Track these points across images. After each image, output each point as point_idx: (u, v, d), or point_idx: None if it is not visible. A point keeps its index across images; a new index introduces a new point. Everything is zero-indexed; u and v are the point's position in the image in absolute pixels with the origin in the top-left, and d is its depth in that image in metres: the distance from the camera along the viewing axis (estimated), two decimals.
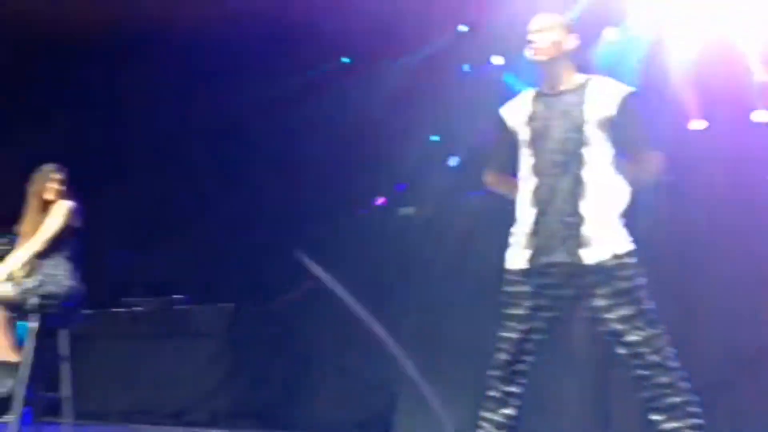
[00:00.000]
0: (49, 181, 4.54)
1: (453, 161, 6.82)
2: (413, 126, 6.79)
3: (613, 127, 3.13)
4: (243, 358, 7.28)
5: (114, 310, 7.73)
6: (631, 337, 2.97)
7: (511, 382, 3.17)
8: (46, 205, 4.54)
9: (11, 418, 4.99)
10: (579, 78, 3.25)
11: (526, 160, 3.23)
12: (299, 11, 6.82)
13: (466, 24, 6.81)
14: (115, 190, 7.56)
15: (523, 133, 3.24)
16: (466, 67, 6.89)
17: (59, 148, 7.29)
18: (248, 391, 7.26)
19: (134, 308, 7.68)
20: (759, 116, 5.36)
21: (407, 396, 6.55)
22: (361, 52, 7.14)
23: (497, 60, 6.58)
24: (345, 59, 7.43)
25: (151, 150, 8.08)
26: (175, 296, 7.59)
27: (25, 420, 4.86)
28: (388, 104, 6.86)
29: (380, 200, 7.32)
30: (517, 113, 3.30)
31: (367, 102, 6.90)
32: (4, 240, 5.33)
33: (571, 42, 3.25)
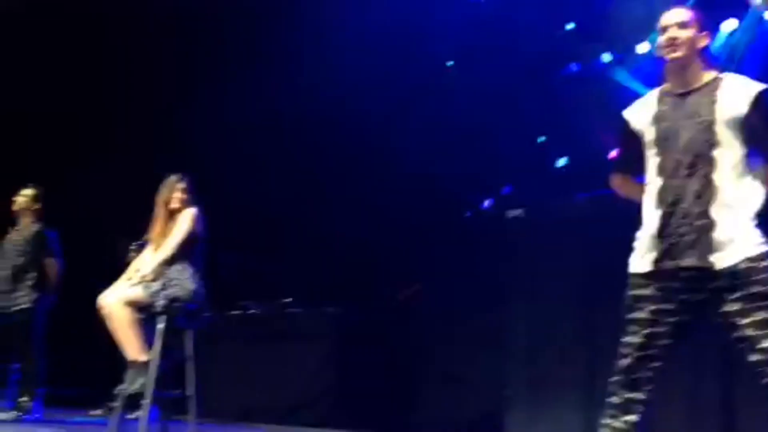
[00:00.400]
0: (174, 191, 4.78)
1: (561, 161, 6.70)
2: (520, 127, 6.72)
3: (745, 126, 2.99)
4: (352, 360, 7.38)
5: (230, 313, 8.01)
6: (766, 344, 2.84)
7: (633, 388, 3.08)
8: (172, 213, 4.78)
9: (141, 414, 5.28)
10: (707, 76, 3.12)
11: (652, 161, 3.14)
12: (403, 16, 6.88)
13: (573, 21, 6.70)
14: (227, 194, 7.83)
15: (649, 134, 3.15)
16: (574, 66, 6.77)
17: (174, 153, 7.68)
18: (355, 394, 7.36)
19: (249, 311, 7.94)
20: None
21: (519, 399, 6.48)
22: (467, 54, 7.13)
23: (606, 57, 6.43)
24: (449, 62, 7.45)
25: (261, 156, 8.33)
26: (286, 300, 7.80)
27: (152, 417, 5.12)
28: (493, 105, 6.82)
29: (487, 203, 7.26)
30: (641, 114, 3.22)
31: (473, 103, 6.87)
32: (134, 247, 5.64)
33: (704, 39, 3.13)
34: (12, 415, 5.56)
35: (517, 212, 6.69)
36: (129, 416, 5.82)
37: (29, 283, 5.79)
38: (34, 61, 8.89)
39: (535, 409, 6.31)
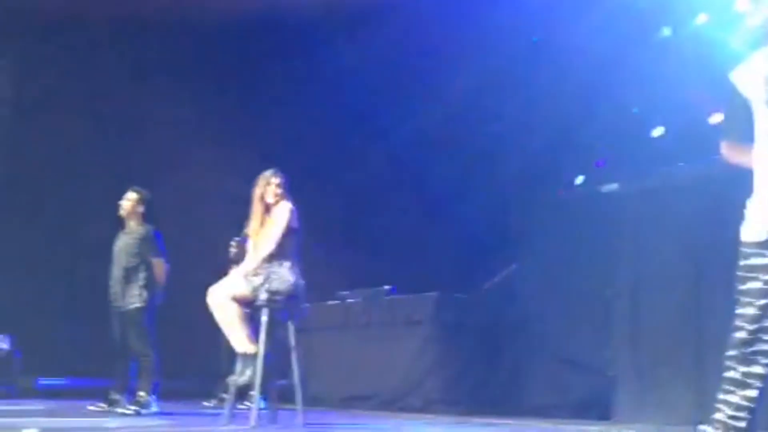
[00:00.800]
0: (269, 185, 4.89)
1: (657, 132, 6.44)
2: (611, 98, 6.49)
3: None
4: (452, 344, 7.37)
5: (330, 302, 8.14)
6: None
7: (751, 362, 2.94)
8: (267, 207, 4.90)
9: (250, 404, 5.45)
10: None
11: (761, 125, 2.97)
12: None
13: None
14: (324, 187, 7.95)
15: (758, 97, 2.98)
16: (666, 31, 6.48)
17: (272, 147, 7.86)
18: (458, 377, 7.35)
19: (347, 300, 8.05)
20: None
21: (626, 380, 6.32)
22: (555, 26, 6.94)
23: (702, 18, 6.12)
24: (534, 38, 7.28)
25: (354, 146, 8.42)
26: (384, 287, 7.86)
27: (260, 406, 5.28)
28: (581, 78, 6.62)
29: (580, 178, 7.07)
30: (748, 76, 3.05)
31: (560, 79, 6.70)
32: (235, 242, 5.84)
33: None
34: (131, 409, 5.84)
35: (612, 186, 6.51)
36: (240, 406, 6.03)
37: (140, 282, 6.07)
38: (136, 66, 9.29)
39: (643, 389, 6.14)
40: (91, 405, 6.16)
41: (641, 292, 6.24)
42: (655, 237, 6.19)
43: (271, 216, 4.87)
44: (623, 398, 6.27)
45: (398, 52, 7.78)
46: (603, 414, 6.38)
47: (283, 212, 4.82)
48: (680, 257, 5.98)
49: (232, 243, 7.13)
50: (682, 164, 6.15)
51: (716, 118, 5.63)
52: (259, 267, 4.74)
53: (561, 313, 6.88)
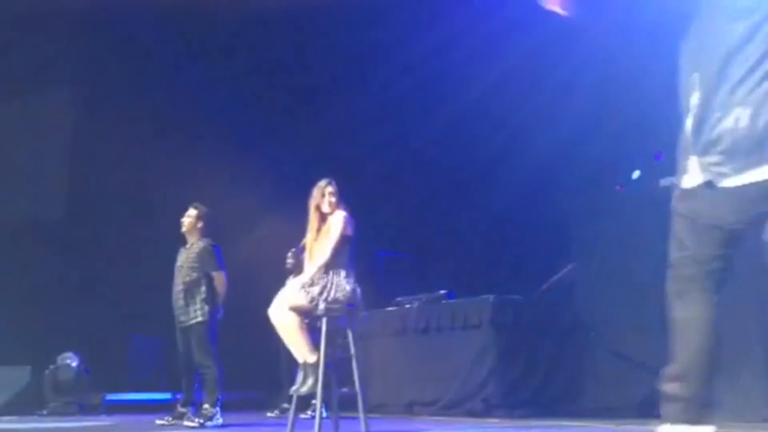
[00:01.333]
0: (324, 194, 4.94)
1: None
2: (667, 87, 6.32)
3: None
4: (511, 347, 7.29)
5: (387, 308, 8.15)
6: None
7: None
8: (323, 216, 4.94)
9: (313, 413, 5.49)
10: None
11: None
12: None
13: None
14: (379, 193, 7.98)
15: None
16: None
17: (319, 156, 7.92)
18: (519, 380, 7.26)
19: (405, 306, 8.04)
20: None
21: None
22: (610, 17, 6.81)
23: None
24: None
25: (408, 152, 8.44)
26: (440, 291, 7.83)
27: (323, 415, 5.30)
28: (635, 67, 6.48)
29: (636, 173, 6.92)
30: None
31: (614, 70, 6.58)
32: (290, 253, 5.90)
33: None
34: (196, 421, 5.94)
35: (671, 180, 6.34)
36: (302, 415, 6.07)
37: (201, 296, 6.18)
38: (193, 83, 9.50)
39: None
40: (159, 419, 6.29)
41: None
42: None
43: (326, 225, 4.91)
44: None
45: (455, 54, 7.76)
46: None
47: (337, 221, 4.86)
48: (746, 249, 5.81)
49: (289, 254, 7.21)
50: None
51: None
52: (316, 277, 4.77)
53: (622, 312, 6.75)
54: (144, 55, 9.06)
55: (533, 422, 6.24)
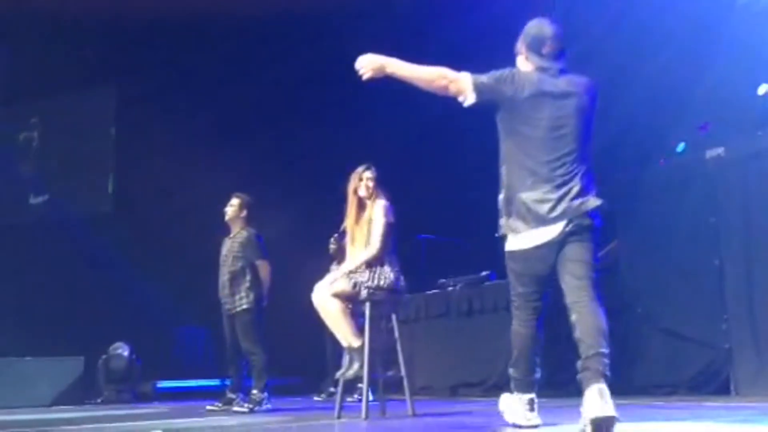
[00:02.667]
0: (362, 180, 4.95)
1: (762, 89, 6.08)
2: (712, 57, 6.17)
3: None
4: (555, 327, 7.20)
5: (430, 292, 8.15)
6: None
7: None
8: (362, 202, 4.96)
9: (360, 397, 5.54)
10: None
11: None
12: None
13: None
14: (415, 178, 7.96)
15: None
16: None
17: (366, 142, 7.94)
18: (563, 359, 7.19)
19: (448, 288, 8.03)
20: None
21: (744, 352, 6.04)
22: None
23: None
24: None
25: (443, 133, 8.39)
26: (483, 273, 7.80)
27: (360, 399, 5.35)
28: (680, 38, 6.32)
29: (681, 145, 6.77)
30: None
31: (658, 41, 6.43)
32: (332, 239, 5.94)
33: None
34: (246, 407, 6.04)
35: (717, 151, 6.20)
36: (348, 399, 6.13)
37: (247, 285, 6.25)
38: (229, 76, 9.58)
39: (763, 360, 5.87)
40: (209, 405, 6.40)
41: (755, 260, 5.94)
42: (765, 201, 5.88)
43: (366, 214, 4.92)
44: (742, 371, 6.01)
45: (486, 28, 7.67)
46: (721, 389, 6.13)
47: (378, 211, 4.87)
48: None
49: (331, 240, 7.26)
50: None
51: None
52: (360, 267, 4.81)
53: (669, 287, 6.63)
54: (184, 51, 9.17)
55: (579, 400, 6.19)
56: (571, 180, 3.42)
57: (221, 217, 6.54)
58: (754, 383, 5.90)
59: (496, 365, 7.47)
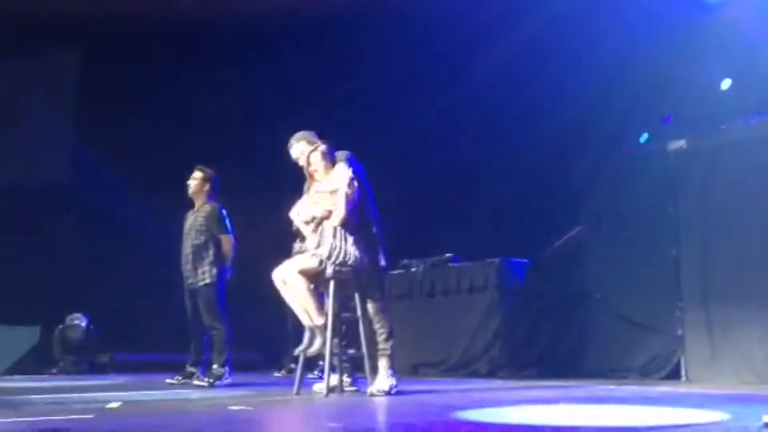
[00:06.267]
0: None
1: (725, 84, 6.20)
2: (676, 51, 6.25)
3: None
4: (516, 310, 7.35)
5: (393, 272, 8.18)
6: None
7: None
8: (312, 175, 4.97)
9: (320, 374, 5.57)
10: None
11: None
12: None
13: None
14: (385, 159, 7.95)
15: None
16: None
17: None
18: (524, 342, 7.33)
19: (411, 269, 8.08)
20: None
21: (696, 340, 6.22)
22: None
23: None
24: None
25: (415, 115, 8.39)
26: (446, 255, 7.86)
27: (321, 377, 5.39)
28: (644, 31, 6.40)
29: (644, 136, 6.89)
30: None
31: (622, 32, 6.50)
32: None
33: None
34: (206, 381, 6.03)
35: (679, 143, 6.33)
36: (309, 375, 6.15)
37: (210, 259, 6.19)
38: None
39: (715, 348, 6.04)
40: (169, 378, 6.38)
41: (711, 250, 6.10)
42: (725, 194, 6.02)
43: (327, 182, 4.92)
44: (694, 358, 6.19)
45: (470, 24, 7.70)
46: (673, 374, 6.31)
47: (341, 176, 4.86)
48: (752, 213, 5.81)
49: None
50: (752, 117, 5.94)
51: None
52: (324, 241, 4.80)
53: (627, 275, 6.78)
54: (149, 13, 8.94)
55: (537, 383, 6.33)
56: None
57: (185, 190, 6.46)
58: (704, 370, 6.09)
59: (457, 346, 7.58)
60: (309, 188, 5.02)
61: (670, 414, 3.59)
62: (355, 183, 4.87)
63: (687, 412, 3.59)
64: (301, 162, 5.10)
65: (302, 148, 5.16)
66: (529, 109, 7.60)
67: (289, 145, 5.34)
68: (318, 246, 4.83)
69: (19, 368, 8.51)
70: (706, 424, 3.13)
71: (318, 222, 4.84)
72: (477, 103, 7.99)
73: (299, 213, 4.99)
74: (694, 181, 6.27)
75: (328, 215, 4.81)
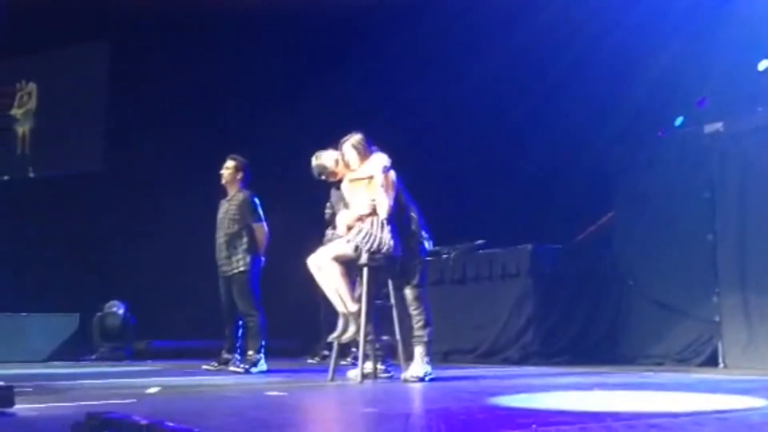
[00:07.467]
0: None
1: (762, 65, 6.08)
2: (713, 32, 6.14)
3: None
4: (549, 296, 7.31)
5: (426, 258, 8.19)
6: None
7: None
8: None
9: (354, 361, 5.61)
10: None
11: None
12: None
13: None
14: (415, 145, 7.96)
15: None
16: None
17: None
18: (557, 328, 7.30)
19: (442, 256, 8.08)
20: None
21: (734, 326, 6.13)
22: None
23: None
24: None
25: (442, 101, 8.36)
26: (477, 241, 7.84)
27: (354, 364, 5.42)
28: (681, 14, 6.29)
29: (679, 119, 6.79)
30: None
31: (659, 15, 6.40)
32: (329, 204, 5.92)
33: None
34: (241, 367, 6.11)
35: (716, 126, 6.22)
36: (343, 362, 6.20)
37: (243, 247, 6.26)
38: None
39: (753, 334, 5.96)
40: (205, 365, 6.47)
41: (748, 235, 6.01)
42: (762, 177, 5.92)
43: (363, 173, 4.93)
44: (731, 344, 6.11)
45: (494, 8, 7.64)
46: (709, 361, 6.24)
47: (376, 165, 4.86)
48: None
49: (327, 204, 7.26)
50: None
51: None
52: (360, 228, 4.82)
53: (662, 260, 6.71)
54: (182, 8, 9.03)
55: (570, 369, 6.30)
56: None
57: (218, 179, 6.53)
58: (742, 356, 6.01)
59: (489, 333, 7.57)
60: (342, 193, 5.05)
61: (708, 400, 3.55)
62: (392, 172, 4.88)
63: (725, 399, 3.55)
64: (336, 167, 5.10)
65: (332, 155, 5.18)
66: (563, 94, 7.53)
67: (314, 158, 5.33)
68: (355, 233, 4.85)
69: (60, 355, 8.71)
70: (744, 410, 3.10)
71: (364, 218, 4.86)
72: (510, 86, 7.93)
73: (342, 222, 4.99)
74: (730, 164, 6.17)
75: (373, 211, 4.83)
